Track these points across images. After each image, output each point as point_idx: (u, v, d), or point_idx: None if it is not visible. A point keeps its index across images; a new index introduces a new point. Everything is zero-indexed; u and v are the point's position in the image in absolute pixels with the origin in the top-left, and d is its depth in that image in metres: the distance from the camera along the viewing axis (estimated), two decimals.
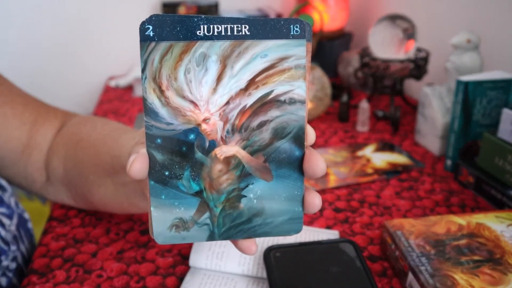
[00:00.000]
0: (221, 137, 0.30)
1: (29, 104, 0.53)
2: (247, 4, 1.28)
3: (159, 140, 0.29)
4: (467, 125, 0.66)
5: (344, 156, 0.74)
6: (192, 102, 0.29)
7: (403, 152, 0.75)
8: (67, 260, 0.50)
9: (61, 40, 1.19)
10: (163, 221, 0.30)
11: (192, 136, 0.29)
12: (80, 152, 0.49)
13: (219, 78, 0.29)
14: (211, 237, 0.31)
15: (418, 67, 0.84)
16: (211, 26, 0.28)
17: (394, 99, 0.88)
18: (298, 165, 0.30)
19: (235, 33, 0.28)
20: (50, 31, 1.18)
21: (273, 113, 0.29)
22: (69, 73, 1.23)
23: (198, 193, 0.30)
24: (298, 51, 0.29)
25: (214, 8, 1.18)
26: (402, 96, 0.90)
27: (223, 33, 0.28)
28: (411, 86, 1.04)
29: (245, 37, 0.28)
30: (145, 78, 0.28)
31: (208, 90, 0.29)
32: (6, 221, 0.50)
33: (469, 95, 0.64)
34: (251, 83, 0.29)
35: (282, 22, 0.28)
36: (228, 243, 0.48)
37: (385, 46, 0.87)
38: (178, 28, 0.28)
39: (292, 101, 0.29)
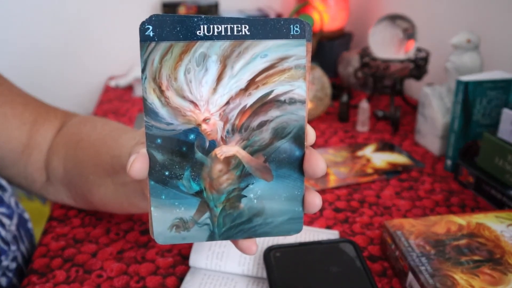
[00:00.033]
0: (221, 137, 0.30)
1: (29, 104, 0.53)
2: (247, 4, 1.28)
3: (159, 140, 0.29)
4: (467, 125, 0.66)
5: (344, 156, 0.74)
6: (192, 102, 0.29)
7: (403, 152, 0.75)
8: (67, 260, 0.50)
9: (61, 40, 1.19)
10: (163, 221, 0.30)
11: (192, 136, 0.29)
12: (80, 152, 0.49)
13: (219, 78, 0.29)
14: (211, 237, 0.31)
15: (418, 67, 0.84)
16: (211, 26, 0.28)
17: (394, 99, 0.88)
18: (298, 165, 0.30)
19: (235, 33, 0.28)
20: (50, 31, 1.18)
21: (273, 113, 0.29)
22: (69, 73, 1.23)
23: (198, 193, 0.30)
24: (298, 51, 0.29)
25: (214, 8, 1.18)
26: (402, 96, 0.90)
27: (223, 33, 0.28)
28: (411, 86, 1.04)
29: (245, 37, 0.28)
30: (145, 78, 0.28)
31: (208, 90, 0.29)
32: (6, 221, 0.50)
33: (469, 95, 0.64)
34: (251, 83, 0.29)
35: (282, 22, 0.28)
36: (228, 243, 0.48)
37: (385, 46, 0.87)
38: (178, 28, 0.28)
39: (292, 101, 0.29)
